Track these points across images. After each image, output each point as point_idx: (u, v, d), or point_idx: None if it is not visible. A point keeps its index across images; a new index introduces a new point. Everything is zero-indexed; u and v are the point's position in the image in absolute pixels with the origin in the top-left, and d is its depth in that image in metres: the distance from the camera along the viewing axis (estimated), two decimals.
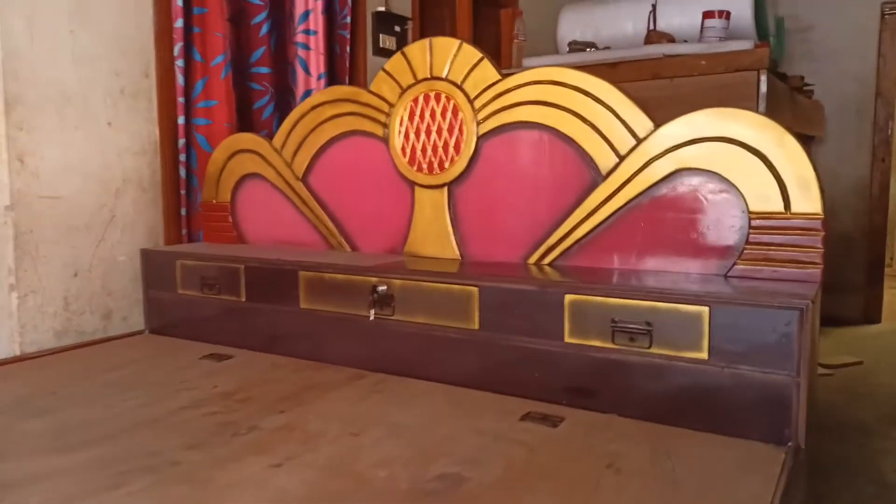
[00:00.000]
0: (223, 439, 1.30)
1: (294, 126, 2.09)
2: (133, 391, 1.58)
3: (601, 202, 1.61)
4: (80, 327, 2.07)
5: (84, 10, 2.01)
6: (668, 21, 3.19)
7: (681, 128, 1.51)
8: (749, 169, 1.44)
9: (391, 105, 1.90)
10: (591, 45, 3.12)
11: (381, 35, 3.10)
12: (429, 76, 1.83)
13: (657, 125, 1.54)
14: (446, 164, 1.82)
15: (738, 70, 2.52)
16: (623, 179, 1.58)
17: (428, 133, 1.84)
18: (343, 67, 2.82)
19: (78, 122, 2.02)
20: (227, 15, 2.32)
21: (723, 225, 1.48)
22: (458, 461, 1.18)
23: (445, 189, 1.83)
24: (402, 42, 3.23)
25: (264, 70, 2.54)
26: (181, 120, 2.26)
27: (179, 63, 2.23)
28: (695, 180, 1.51)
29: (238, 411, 1.45)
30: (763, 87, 2.37)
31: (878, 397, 2.90)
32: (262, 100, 2.54)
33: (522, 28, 3.08)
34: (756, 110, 2.03)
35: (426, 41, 1.83)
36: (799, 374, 1.21)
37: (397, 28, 3.20)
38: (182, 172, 2.29)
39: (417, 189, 1.88)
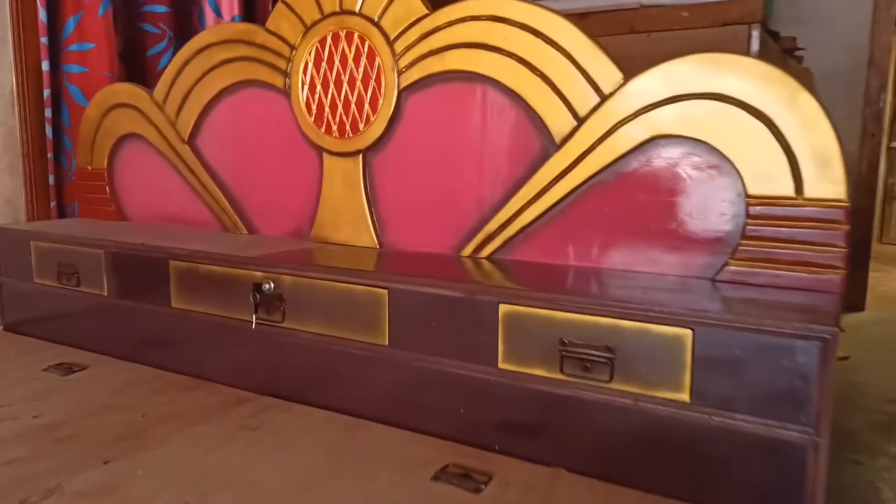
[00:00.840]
0: None
1: (178, 75, 1.66)
2: None
3: (553, 179, 1.22)
4: None
5: None
6: None
7: (657, 81, 1.12)
8: (748, 137, 1.07)
9: (293, 48, 1.49)
10: None
11: None
12: (338, 9, 1.42)
13: (627, 77, 1.15)
14: (360, 126, 1.42)
15: (726, 24, 2.15)
16: (582, 149, 1.19)
17: (338, 85, 1.43)
18: (265, 6, 2.37)
19: None
20: None
21: (711, 212, 1.11)
22: None
23: (360, 157, 1.43)
24: None
25: (160, 9, 2.09)
26: (46, 66, 1.82)
27: None
28: (675, 152, 1.13)
29: (47, 458, 1.05)
30: (755, 45, 2.00)
31: (867, 400, 2.60)
32: (157, 45, 2.10)
33: None
34: None
35: None
36: (818, 432, 0.85)
37: None
38: (49, 132, 1.85)
39: (326, 156, 1.48)
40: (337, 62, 1.42)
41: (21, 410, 1.23)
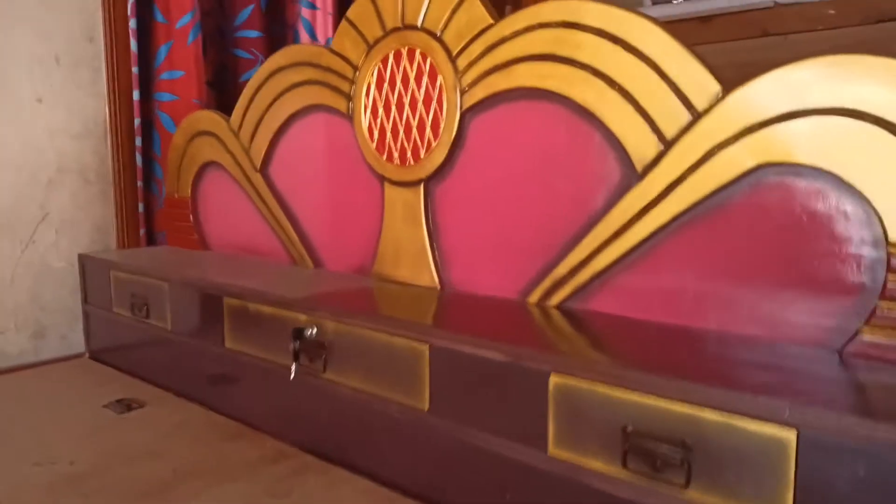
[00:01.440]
0: None
1: (251, 100, 1.60)
2: None
3: (635, 215, 1.00)
4: (1, 349, 1.70)
5: None
6: None
7: (767, 93, 0.88)
8: (891, 166, 0.80)
9: (356, 69, 1.37)
10: None
11: None
12: (400, 25, 1.28)
13: (727, 89, 0.92)
14: (422, 153, 1.27)
15: (882, 20, 1.82)
16: (670, 179, 0.96)
17: (400, 108, 1.29)
18: None
19: None
20: None
21: (838, 262, 0.84)
22: None
23: (421, 187, 1.28)
24: None
25: (253, 34, 2.07)
26: (136, 95, 1.83)
27: (132, 24, 1.80)
28: (790, 183, 0.87)
29: None
30: None
31: None
32: (250, 70, 2.07)
33: None
34: None
35: None
36: None
37: None
38: (139, 160, 1.86)
39: (387, 186, 1.34)
40: (399, 83, 1.28)
41: (63, 454, 1.19)
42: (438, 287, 1.28)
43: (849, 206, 0.83)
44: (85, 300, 1.76)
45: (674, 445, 0.75)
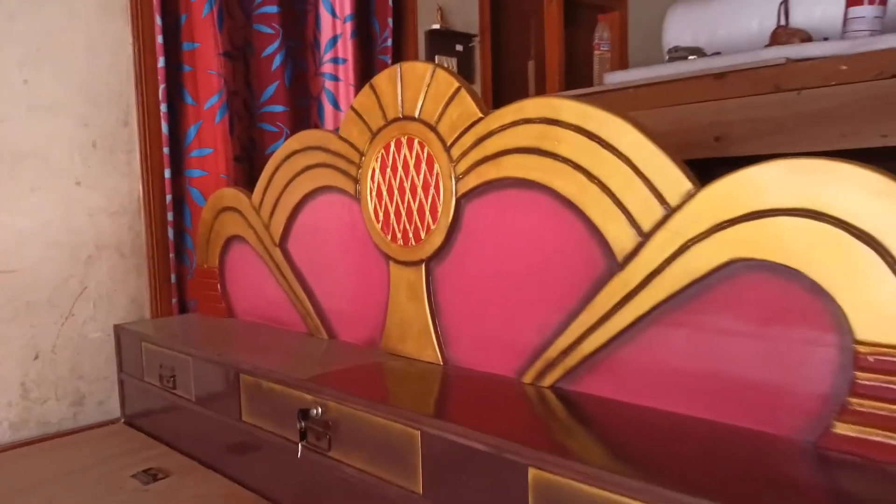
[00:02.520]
0: None
1: (270, 180, 1.70)
2: None
3: (618, 302, 1.04)
4: (42, 417, 1.81)
5: (40, 57, 1.75)
6: (808, 14, 2.47)
7: (736, 191, 0.91)
8: (855, 267, 0.82)
9: (361, 154, 1.45)
10: (697, 51, 2.48)
11: (437, 56, 2.66)
12: (400, 115, 1.35)
13: (699, 186, 0.95)
14: (422, 234, 1.33)
15: None
16: (648, 270, 1.00)
17: (402, 192, 1.36)
18: None
19: (35, 182, 1.76)
20: (222, 49, 1.98)
21: (808, 358, 0.86)
22: None
23: (423, 267, 1.34)
24: (466, 63, 2.77)
25: (278, 108, 2.19)
26: (168, 173, 1.96)
27: (163, 108, 1.93)
28: (760, 280, 0.90)
29: None
30: None
31: None
32: (276, 143, 2.19)
33: (606, 35, 2.49)
34: None
35: (396, 68, 1.35)
36: None
37: (459, 47, 2.74)
38: (170, 233, 1.98)
39: (392, 265, 1.40)
40: (400, 168, 1.35)
41: None
42: (441, 363, 1.32)
43: (818, 304, 0.85)
44: (120, 369, 1.86)
45: None
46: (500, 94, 2.93)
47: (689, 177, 0.96)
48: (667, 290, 0.98)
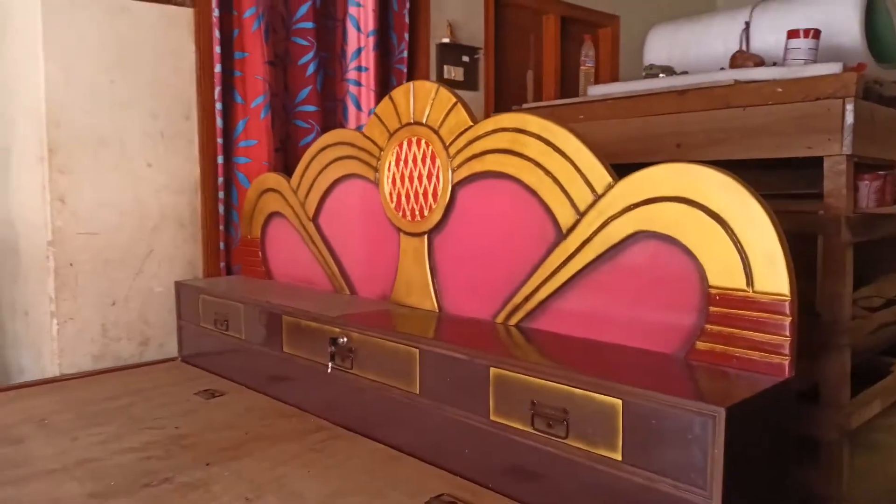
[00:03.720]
0: (130, 489, 1.34)
1: (307, 168, 2.12)
2: (108, 425, 1.68)
3: (561, 263, 1.46)
4: (116, 353, 2.24)
5: (123, 62, 2.18)
6: (764, 40, 2.87)
7: (639, 183, 1.33)
8: (710, 236, 1.23)
9: (381, 149, 1.87)
10: (668, 69, 2.88)
11: (445, 66, 3.07)
12: (411, 121, 1.77)
13: (616, 179, 1.37)
14: (426, 212, 1.75)
15: (819, 98, 2.19)
16: (582, 239, 1.42)
17: (411, 179, 1.78)
18: None
19: (114, 163, 2.20)
20: (267, 58, 2.41)
21: (683, 299, 1.28)
22: None
23: (425, 237, 1.76)
24: (471, 73, 3.18)
25: (310, 108, 2.61)
26: (220, 159, 2.38)
27: (218, 106, 2.36)
28: (653, 245, 1.31)
29: (172, 458, 1.48)
30: (849, 118, 2.05)
31: None
32: (307, 137, 2.61)
33: (591, 53, 2.90)
34: (841, 144, 1.78)
35: (409, 85, 1.77)
36: (712, 497, 1.01)
37: (466, 58, 3.15)
38: (220, 209, 2.41)
39: (402, 236, 1.83)
40: (410, 161, 1.77)
41: (168, 423, 1.70)
42: (437, 310, 1.75)
43: (688, 261, 1.27)
44: (179, 317, 2.29)
45: (559, 411, 1.20)
46: (501, 100, 3.33)
47: (610, 173, 1.38)
48: (594, 252, 1.40)
